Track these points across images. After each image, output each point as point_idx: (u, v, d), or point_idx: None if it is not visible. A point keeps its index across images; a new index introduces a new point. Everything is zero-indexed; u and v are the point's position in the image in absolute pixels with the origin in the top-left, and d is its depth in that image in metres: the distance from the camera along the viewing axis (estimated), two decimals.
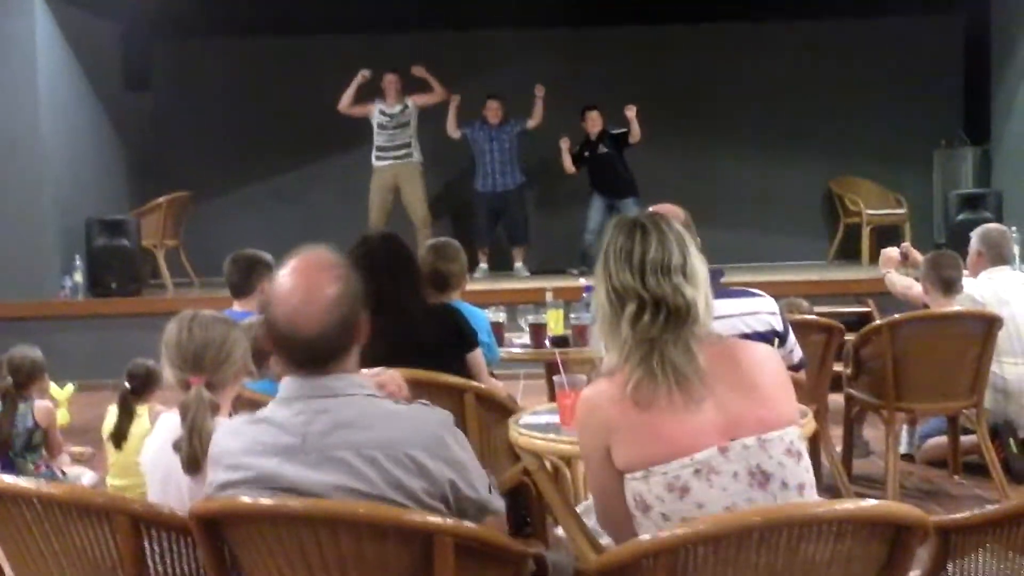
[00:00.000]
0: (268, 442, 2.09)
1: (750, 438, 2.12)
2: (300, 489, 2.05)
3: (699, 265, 2.25)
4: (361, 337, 2.17)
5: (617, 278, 2.22)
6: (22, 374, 5.24)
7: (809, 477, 2.18)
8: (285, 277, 2.13)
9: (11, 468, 5.05)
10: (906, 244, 5.79)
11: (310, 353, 2.10)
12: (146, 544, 2.20)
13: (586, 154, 9.58)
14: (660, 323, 2.16)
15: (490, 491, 2.19)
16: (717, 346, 2.21)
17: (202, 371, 2.48)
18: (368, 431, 2.07)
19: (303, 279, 2.11)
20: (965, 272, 5.18)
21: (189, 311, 2.62)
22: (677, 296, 2.18)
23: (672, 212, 3.47)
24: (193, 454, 2.37)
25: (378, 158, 9.64)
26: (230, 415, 2.51)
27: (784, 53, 10.58)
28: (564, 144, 9.54)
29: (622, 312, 2.19)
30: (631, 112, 9.30)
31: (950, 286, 5.02)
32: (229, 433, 2.18)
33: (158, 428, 2.58)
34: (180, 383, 2.50)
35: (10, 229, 8.80)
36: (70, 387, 6.84)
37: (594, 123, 9.55)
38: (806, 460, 2.18)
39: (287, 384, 2.15)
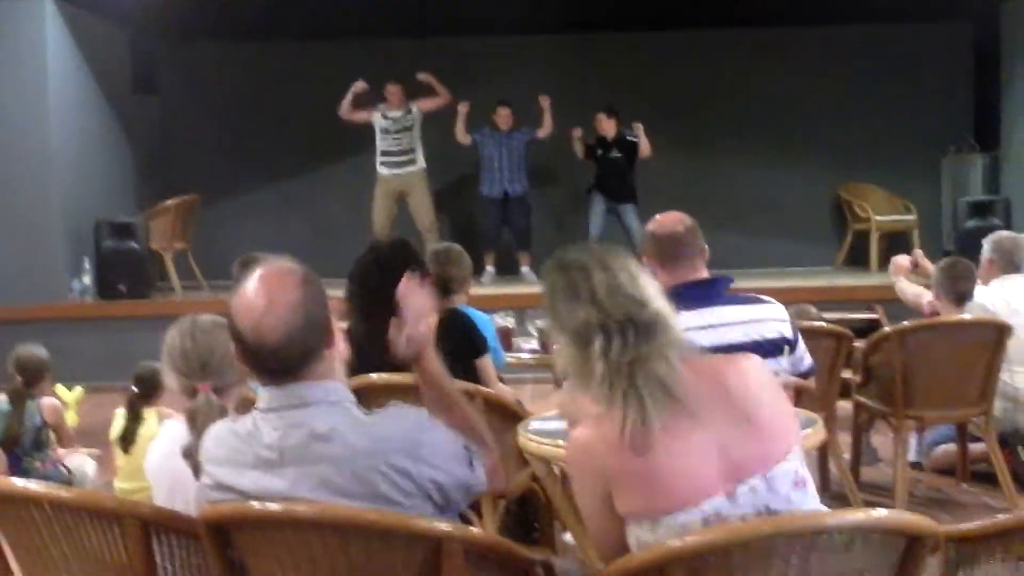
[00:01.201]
0: (249, 457, 2.09)
1: (756, 478, 2.04)
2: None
3: (638, 272, 2.17)
4: (333, 341, 2.15)
5: (572, 319, 2.11)
6: (29, 372, 5.27)
7: (816, 501, 2.13)
8: (245, 289, 2.11)
9: (19, 466, 5.06)
10: (917, 252, 5.78)
11: (279, 361, 2.08)
12: (155, 548, 2.21)
13: (599, 152, 9.59)
14: (632, 342, 2.05)
15: (471, 465, 2.17)
16: (703, 369, 2.11)
17: (208, 377, 2.49)
18: (343, 443, 2.06)
19: (263, 287, 2.09)
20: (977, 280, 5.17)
21: (188, 317, 2.62)
22: (640, 309, 2.09)
23: (678, 220, 3.47)
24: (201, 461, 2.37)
25: (382, 164, 9.63)
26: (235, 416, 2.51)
27: (793, 59, 10.58)
28: (576, 133, 9.56)
29: (588, 350, 2.07)
30: (638, 129, 9.35)
31: (962, 297, 5.01)
32: (213, 439, 2.18)
33: (163, 435, 2.59)
34: (185, 390, 2.50)
35: (19, 231, 8.83)
36: (79, 390, 6.85)
37: (611, 127, 9.56)
38: (811, 483, 2.12)
39: (264, 394, 2.14)
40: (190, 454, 2.37)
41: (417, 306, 2.33)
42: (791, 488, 2.07)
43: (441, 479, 2.10)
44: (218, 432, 2.19)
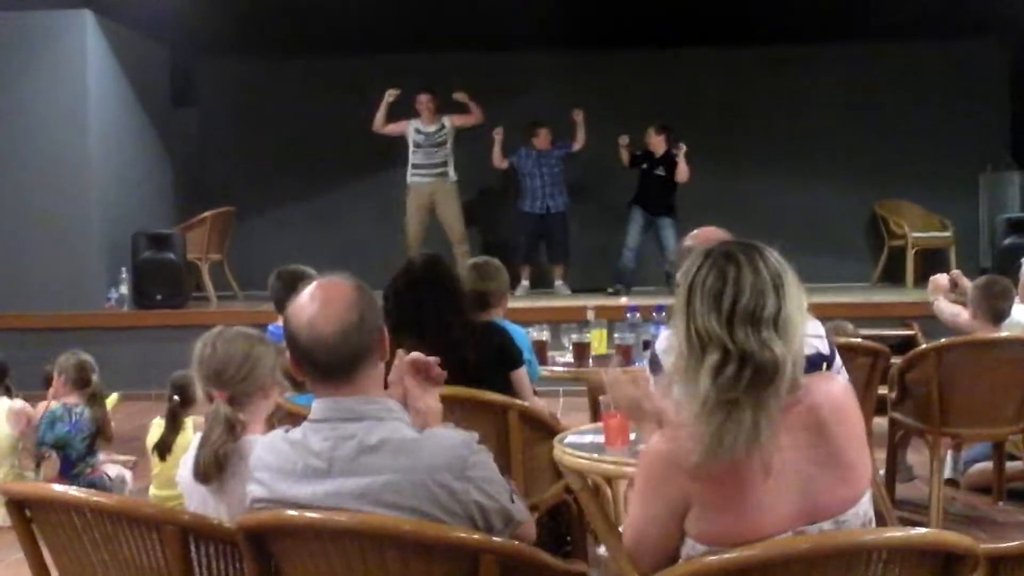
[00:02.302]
0: (299, 466, 2.12)
1: (827, 522, 1.99)
2: (328, 508, 2.07)
3: (795, 312, 2.01)
4: (384, 352, 2.19)
5: (702, 322, 1.98)
6: (85, 376, 5.32)
7: None
8: (302, 295, 2.18)
9: (69, 471, 5.12)
10: (956, 272, 5.72)
11: (332, 360, 2.11)
12: (193, 555, 2.22)
13: (644, 166, 9.62)
14: (744, 381, 1.94)
15: (512, 500, 2.18)
16: (798, 405, 2.00)
17: (223, 386, 2.52)
18: (392, 457, 2.08)
19: (320, 291, 2.16)
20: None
21: (218, 327, 2.65)
22: (764, 351, 1.94)
23: (714, 236, 3.45)
24: (198, 463, 2.41)
25: (413, 175, 9.68)
26: (268, 429, 2.53)
27: (830, 76, 10.55)
28: (623, 140, 9.61)
29: (703, 359, 1.97)
30: (680, 151, 9.39)
31: (1000, 316, 4.96)
32: (265, 446, 2.22)
33: (192, 448, 2.61)
34: (207, 397, 2.53)
35: (59, 241, 8.95)
36: (114, 396, 6.89)
37: (660, 143, 9.59)
38: (873, 525, 2.08)
39: (316, 406, 2.17)
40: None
41: (425, 410, 2.31)
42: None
43: (485, 502, 2.11)
44: (271, 440, 2.22)
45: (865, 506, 2.06)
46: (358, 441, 2.09)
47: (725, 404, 1.95)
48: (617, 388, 2.68)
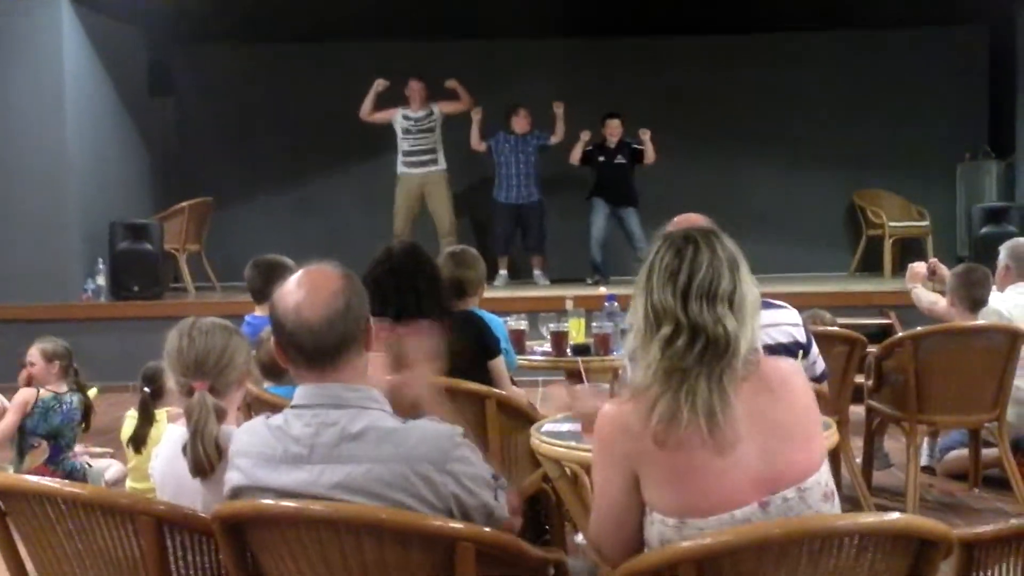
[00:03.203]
0: (279, 452, 2.11)
1: (790, 490, 2.03)
2: (306, 496, 2.07)
3: (749, 292, 2.10)
4: (370, 342, 2.19)
5: (658, 296, 2.06)
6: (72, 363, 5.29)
7: (839, 512, 2.13)
8: (288, 281, 2.19)
9: (57, 458, 5.08)
10: (934, 260, 5.74)
11: (317, 343, 2.12)
12: (168, 545, 2.21)
13: (601, 159, 9.59)
14: (695, 354, 2.01)
15: (496, 498, 2.18)
16: (750, 379, 2.06)
17: (205, 376, 2.49)
18: (374, 446, 2.08)
19: (307, 277, 2.18)
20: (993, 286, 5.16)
21: (189, 318, 2.63)
22: (718, 327, 2.02)
23: (696, 222, 3.45)
24: (197, 457, 2.37)
25: (404, 164, 9.65)
26: (242, 420, 2.52)
27: (807, 64, 10.56)
28: (584, 136, 9.55)
29: (656, 332, 2.05)
30: (645, 135, 9.36)
31: (978, 304, 4.99)
32: (247, 431, 2.21)
33: (166, 439, 2.59)
34: (183, 389, 2.51)
35: (35, 232, 8.88)
36: (93, 390, 6.87)
37: (614, 131, 9.57)
38: (837, 495, 2.12)
39: (299, 392, 2.17)
40: (185, 451, 2.38)
41: (421, 350, 2.44)
42: (821, 500, 2.06)
43: (464, 497, 2.10)
44: (253, 425, 2.22)
45: (825, 475, 2.09)
46: (341, 428, 2.09)
47: (676, 372, 2.01)
48: (551, 400, 2.80)
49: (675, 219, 3.50)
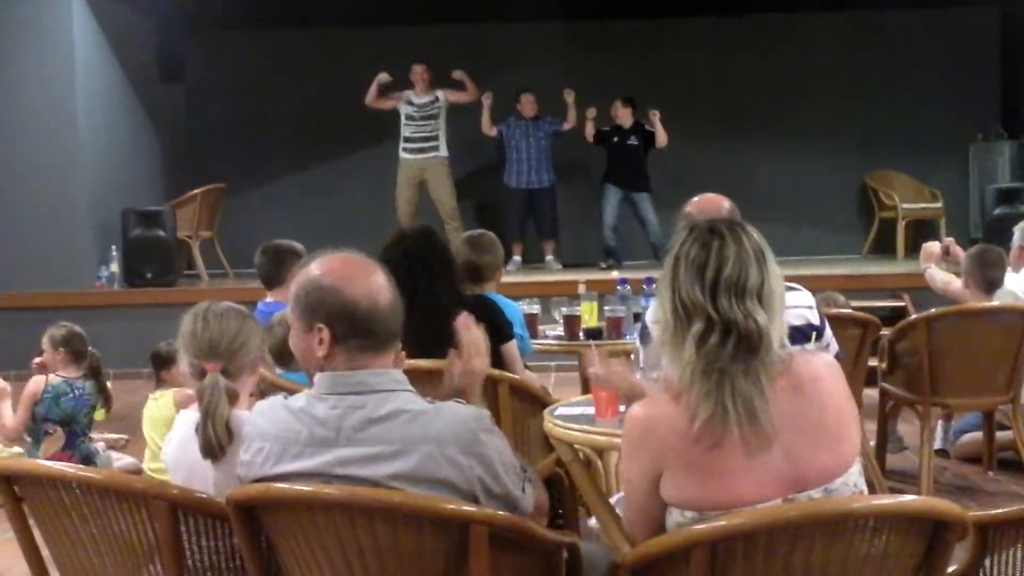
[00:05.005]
0: (303, 435, 2.10)
1: (816, 490, 2.01)
2: (332, 477, 2.06)
3: (776, 285, 2.06)
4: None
5: (686, 292, 2.03)
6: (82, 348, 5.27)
7: None
8: (340, 268, 2.16)
9: (74, 443, 5.09)
10: (949, 239, 5.71)
11: (390, 326, 2.16)
12: (183, 529, 2.22)
13: (615, 139, 9.57)
14: (729, 350, 1.98)
15: (523, 490, 2.16)
16: (784, 375, 2.03)
17: (218, 359, 2.49)
18: (403, 427, 2.07)
19: (355, 265, 2.18)
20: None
21: (204, 303, 2.63)
22: (749, 322, 1.99)
23: (717, 203, 3.41)
24: (208, 438, 2.36)
25: (404, 150, 9.67)
26: (252, 404, 2.52)
27: (818, 45, 10.51)
28: (591, 113, 9.51)
29: (688, 329, 2.01)
30: (655, 117, 9.32)
31: (993, 285, 4.96)
32: (263, 413, 2.19)
33: (177, 425, 2.59)
34: (195, 372, 2.51)
35: (48, 219, 8.90)
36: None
37: (627, 116, 9.54)
38: (866, 493, 2.10)
39: (321, 379, 2.15)
40: (198, 432, 2.38)
41: (474, 341, 2.47)
42: None
43: (489, 482, 2.09)
44: (270, 408, 2.20)
45: (855, 477, 2.06)
46: (369, 411, 2.08)
47: (713, 371, 1.98)
48: (617, 376, 2.80)
49: (694, 199, 3.48)
